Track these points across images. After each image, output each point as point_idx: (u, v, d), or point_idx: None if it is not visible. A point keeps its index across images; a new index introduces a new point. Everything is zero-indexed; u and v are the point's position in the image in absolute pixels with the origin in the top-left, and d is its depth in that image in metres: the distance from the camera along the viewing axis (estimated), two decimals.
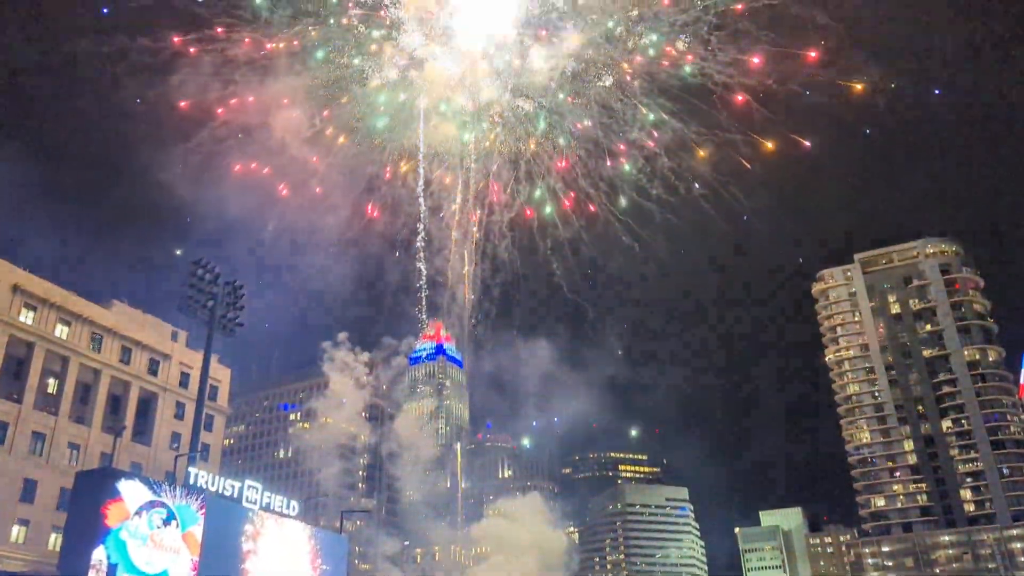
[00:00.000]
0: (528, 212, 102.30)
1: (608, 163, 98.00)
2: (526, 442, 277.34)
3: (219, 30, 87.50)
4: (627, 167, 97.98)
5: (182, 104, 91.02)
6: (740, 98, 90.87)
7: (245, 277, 63.58)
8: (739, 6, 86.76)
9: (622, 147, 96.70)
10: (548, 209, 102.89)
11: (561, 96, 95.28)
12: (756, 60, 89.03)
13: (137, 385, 79.32)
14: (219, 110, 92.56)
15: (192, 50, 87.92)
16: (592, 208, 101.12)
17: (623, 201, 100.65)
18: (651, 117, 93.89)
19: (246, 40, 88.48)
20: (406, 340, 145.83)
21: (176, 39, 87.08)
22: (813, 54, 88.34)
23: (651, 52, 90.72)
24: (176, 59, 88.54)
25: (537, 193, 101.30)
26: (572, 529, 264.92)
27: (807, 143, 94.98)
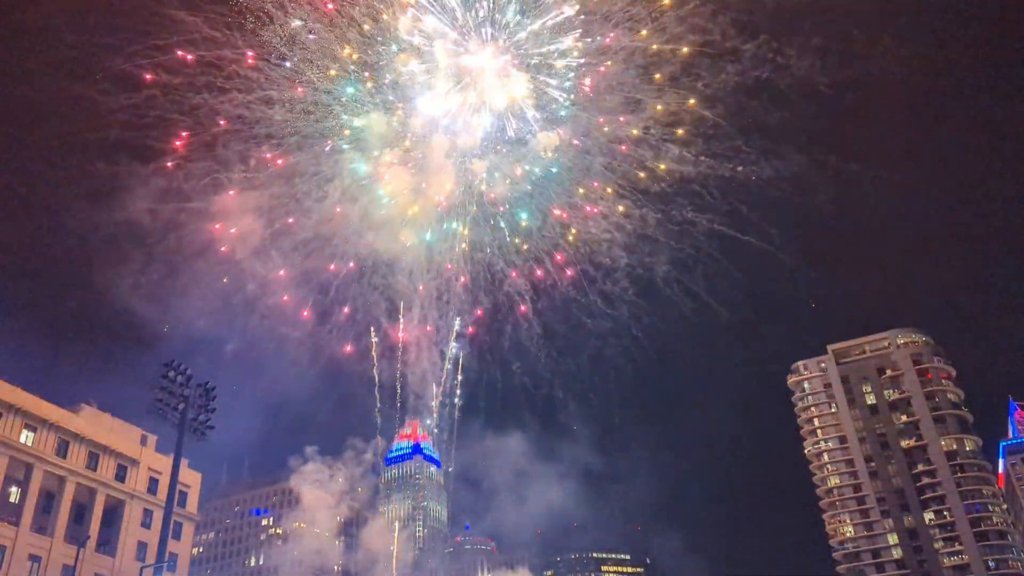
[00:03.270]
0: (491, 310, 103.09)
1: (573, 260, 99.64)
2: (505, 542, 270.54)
3: (170, 165, 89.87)
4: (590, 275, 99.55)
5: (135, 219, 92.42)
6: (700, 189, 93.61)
7: (212, 381, 63.06)
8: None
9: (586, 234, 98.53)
10: (514, 305, 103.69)
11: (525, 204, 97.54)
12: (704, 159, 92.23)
13: (104, 492, 77.03)
14: (172, 227, 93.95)
15: (146, 173, 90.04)
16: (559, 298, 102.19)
17: (591, 295, 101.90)
18: (620, 208, 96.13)
19: (199, 166, 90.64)
20: (373, 442, 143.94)
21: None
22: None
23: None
24: (129, 182, 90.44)
25: (503, 289, 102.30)
26: None
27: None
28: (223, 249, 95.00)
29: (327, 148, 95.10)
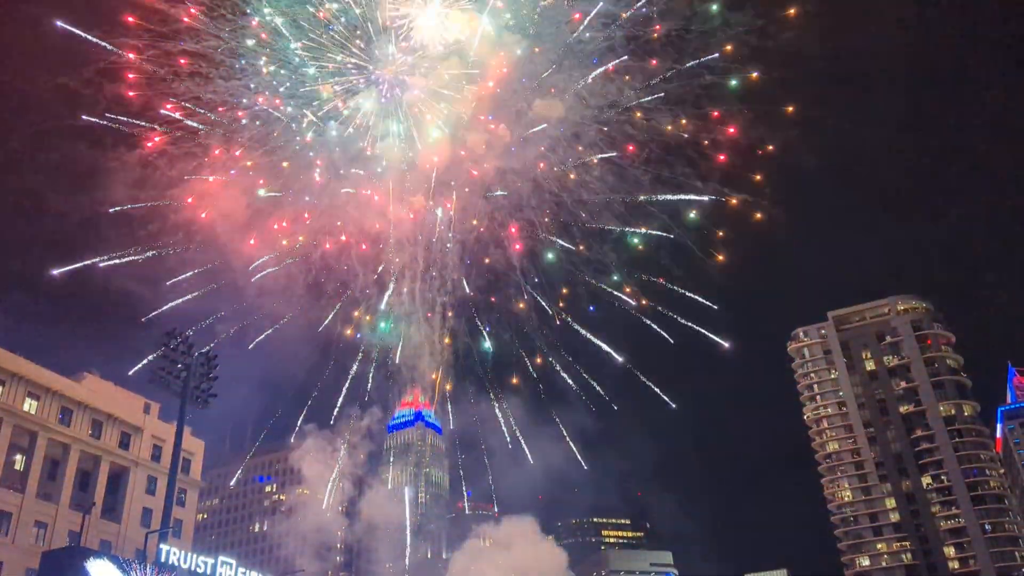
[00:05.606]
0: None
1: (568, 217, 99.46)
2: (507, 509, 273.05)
3: (152, 149, 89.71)
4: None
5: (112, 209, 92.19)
6: (722, 157, 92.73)
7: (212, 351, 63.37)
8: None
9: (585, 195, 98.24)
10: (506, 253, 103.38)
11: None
12: (731, 129, 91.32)
13: (108, 460, 77.61)
14: (157, 211, 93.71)
15: (130, 159, 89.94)
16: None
17: (589, 259, 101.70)
18: (610, 173, 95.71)
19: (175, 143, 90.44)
20: (372, 410, 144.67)
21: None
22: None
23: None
24: (113, 167, 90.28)
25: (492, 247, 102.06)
26: None
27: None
28: (209, 229, 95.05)
29: (313, 130, 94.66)
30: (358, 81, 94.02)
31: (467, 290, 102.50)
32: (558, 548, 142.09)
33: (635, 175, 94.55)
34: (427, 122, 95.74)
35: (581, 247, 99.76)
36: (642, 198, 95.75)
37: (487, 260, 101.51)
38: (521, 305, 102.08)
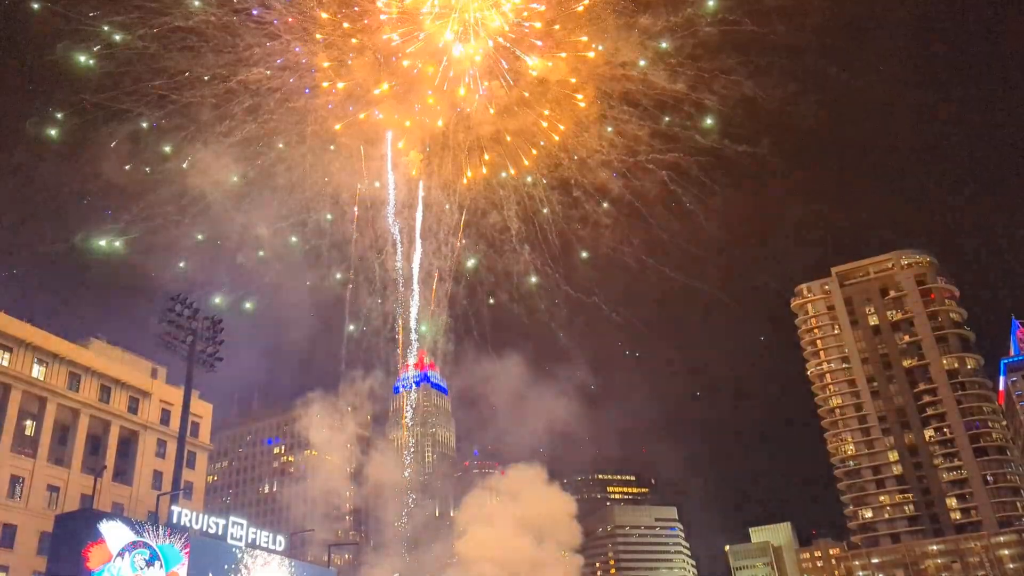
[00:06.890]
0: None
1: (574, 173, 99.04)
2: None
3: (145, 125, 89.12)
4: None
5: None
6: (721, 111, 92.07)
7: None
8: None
9: (588, 160, 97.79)
10: (509, 219, 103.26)
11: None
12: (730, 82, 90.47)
13: (117, 424, 78.26)
14: (151, 184, 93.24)
15: (123, 134, 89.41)
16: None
17: (586, 214, 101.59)
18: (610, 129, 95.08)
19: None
20: (376, 372, 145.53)
21: None
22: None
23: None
24: (105, 142, 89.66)
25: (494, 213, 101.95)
26: (563, 553, 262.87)
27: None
28: (205, 200, 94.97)
29: (306, 98, 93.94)
30: (350, 50, 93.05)
31: (466, 251, 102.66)
32: (567, 495, 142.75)
33: (633, 131, 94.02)
34: (423, 85, 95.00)
35: (579, 204, 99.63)
36: (640, 157, 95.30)
37: (486, 221, 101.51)
38: (520, 264, 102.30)
